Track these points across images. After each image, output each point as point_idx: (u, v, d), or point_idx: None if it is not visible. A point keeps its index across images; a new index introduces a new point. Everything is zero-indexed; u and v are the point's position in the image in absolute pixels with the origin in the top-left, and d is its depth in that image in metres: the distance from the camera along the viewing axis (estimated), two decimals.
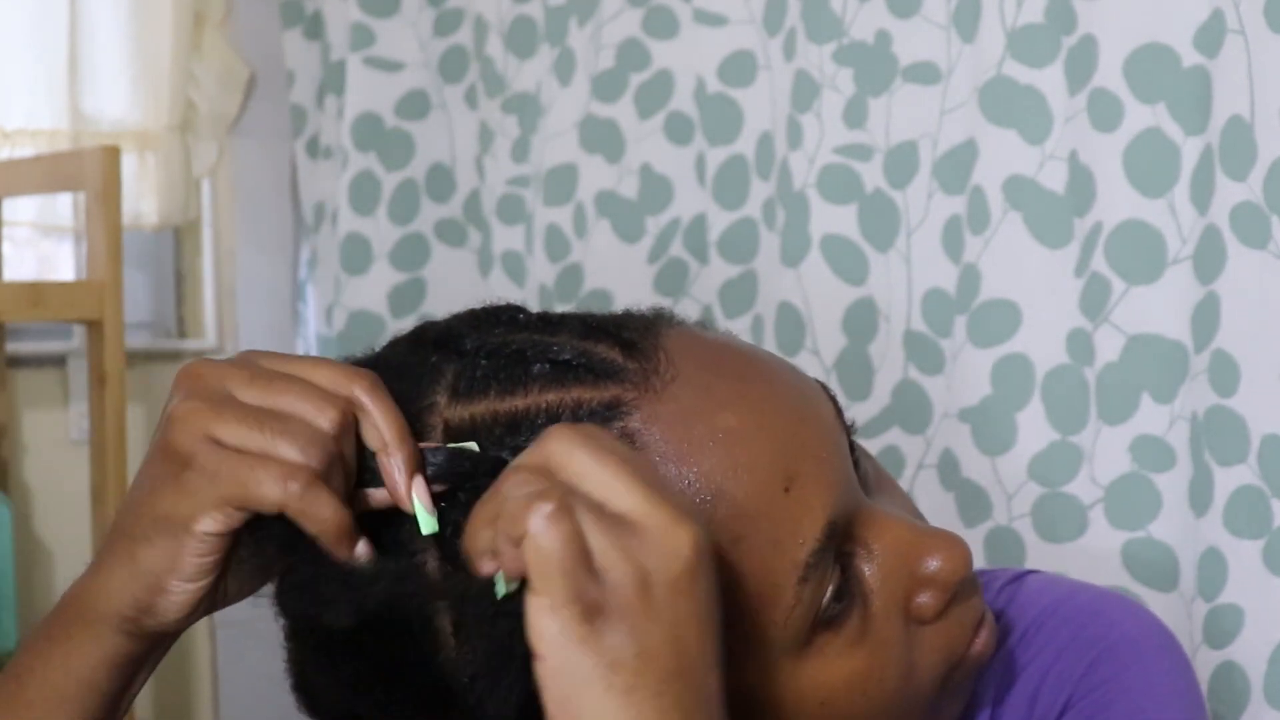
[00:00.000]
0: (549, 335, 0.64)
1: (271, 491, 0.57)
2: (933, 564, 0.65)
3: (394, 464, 0.59)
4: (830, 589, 0.63)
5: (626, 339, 0.64)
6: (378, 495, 0.61)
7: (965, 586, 0.66)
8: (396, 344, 0.68)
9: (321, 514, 0.58)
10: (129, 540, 0.60)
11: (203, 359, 0.61)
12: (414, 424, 0.62)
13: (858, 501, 0.65)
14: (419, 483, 0.60)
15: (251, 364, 0.61)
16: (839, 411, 0.67)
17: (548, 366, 0.62)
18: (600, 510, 0.54)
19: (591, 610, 0.53)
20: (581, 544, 0.53)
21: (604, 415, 0.61)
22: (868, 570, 0.65)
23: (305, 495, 0.58)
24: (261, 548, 0.60)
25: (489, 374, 0.63)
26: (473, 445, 0.61)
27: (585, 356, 0.63)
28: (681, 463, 0.61)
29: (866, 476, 0.68)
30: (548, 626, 0.53)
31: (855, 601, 0.64)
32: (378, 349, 0.68)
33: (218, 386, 0.60)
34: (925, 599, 0.65)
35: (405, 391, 0.63)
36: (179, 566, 0.59)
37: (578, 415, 0.61)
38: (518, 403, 0.62)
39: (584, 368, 0.62)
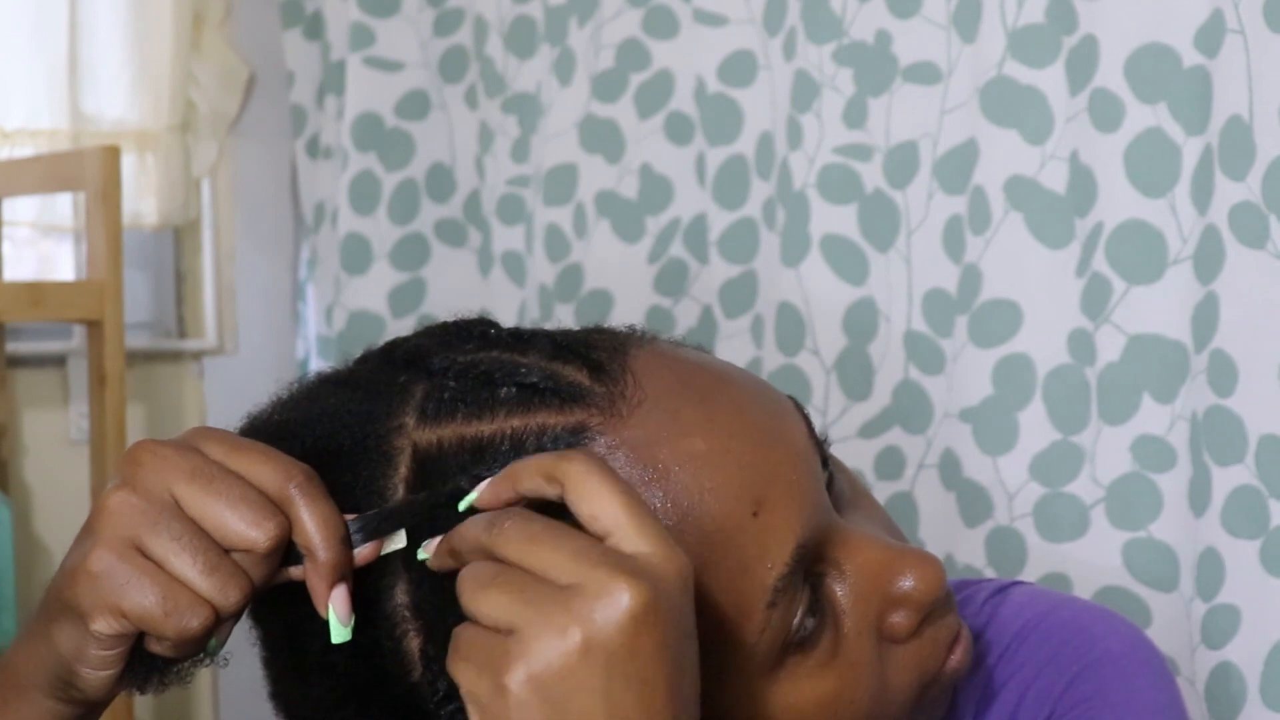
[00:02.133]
0: (518, 355, 0.64)
1: (165, 626, 0.57)
2: (905, 583, 0.65)
3: (317, 571, 0.59)
4: (800, 611, 0.63)
5: (595, 360, 0.63)
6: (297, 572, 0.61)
7: (939, 605, 0.66)
8: (368, 359, 0.68)
9: (190, 651, 0.59)
10: (47, 616, 0.60)
11: (150, 442, 0.60)
12: (382, 445, 0.62)
13: (829, 522, 0.65)
14: (338, 593, 0.59)
15: (196, 454, 0.59)
16: (811, 429, 0.66)
17: (514, 390, 0.62)
18: (535, 584, 0.55)
19: (527, 686, 0.54)
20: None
21: (568, 440, 0.61)
22: (839, 590, 0.65)
23: (192, 638, 0.58)
24: (146, 657, 0.60)
25: (456, 396, 0.63)
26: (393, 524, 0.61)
27: (552, 380, 0.62)
28: (647, 488, 0.61)
29: (840, 494, 0.67)
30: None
31: (826, 622, 0.64)
32: (351, 364, 0.68)
33: (158, 483, 0.58)
34: (898, 618, 0.65)
35: (374, 411, 0.63)
36: (84, 656, 0.59)
37: (542, 441, 0.61)
38: (484, 428, 0.62)
39: (550, 391, 0.62)
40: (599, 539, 0.55)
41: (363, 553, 0.60)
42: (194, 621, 0.57)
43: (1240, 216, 0.99)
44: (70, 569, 0.59)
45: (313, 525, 0.58)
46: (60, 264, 2.10)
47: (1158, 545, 1.09)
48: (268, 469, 0.59)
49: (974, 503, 1.20)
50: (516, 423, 0.62)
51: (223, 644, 0.61)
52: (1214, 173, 1.01)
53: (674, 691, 0.55)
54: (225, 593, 0.57)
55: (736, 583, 0.61)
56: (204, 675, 2.14)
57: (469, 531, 0.58)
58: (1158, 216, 1.07)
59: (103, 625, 0.58)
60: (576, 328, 0.69)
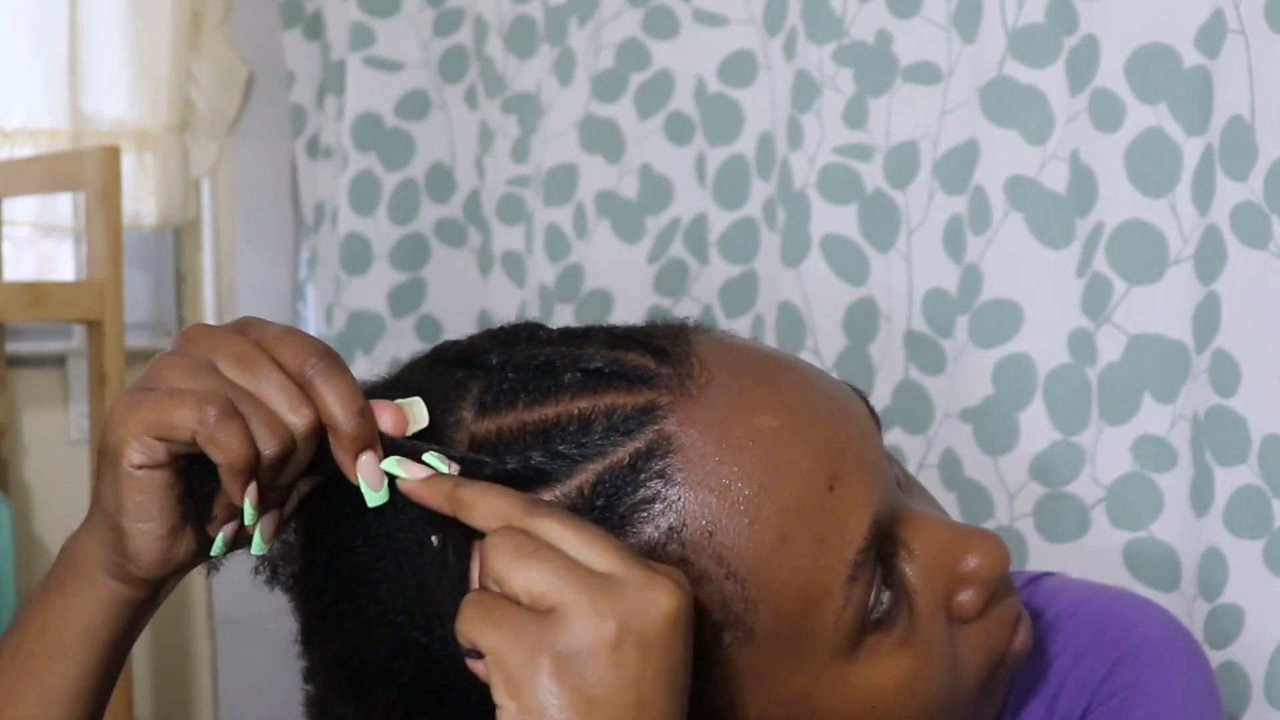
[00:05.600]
0: (576, 347, 0.64)
1: (185, 418, 0.57)
2: (972, 562, 0.65)
3: (339, 444, 0.59)
4: (877, 589, 0.63)
5: (657, 346, 0.64)
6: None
7: (1003, 584, 0.67)
8: (414, 365, 0.67)
9: (230, 444, 0.58)
10: (97, 481, 0.61)
11: (204, 324, 0.62)
12: (440, 441, 0.62)
13: (897, 500, 0.65)
14: (365, 460, 0.59)
15: (243, 338, 0.60)
16: (873, 413, 0.67)
17: (579, 375, 0.62)
18: (579, 567, 0.56)
19: (561, 661, 0.55)
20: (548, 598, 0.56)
21: (639, 419, 0.61)
22: (909, 570, 0.65)
23: (218, 423, 0.57)
24: (187, 490, 0.60)
25: (517, 386, 0.63)
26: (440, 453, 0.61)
27: (617, 364, 0.62)
28: (721, 462, 0.61)
29: (898, 479, 0.68)
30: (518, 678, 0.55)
31: (901, 601, 0.64)
32: (396, 372, 0.67)
33: (202, 351, 0.60)
34: (966, 597, 0.65)
35: (429, 410, 0.62)
36: (122, 506, 0.59)
37: (611, 420, 0.61)
38: (548, 411, 0.62)
39: (617, 374, 0.62)
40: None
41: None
42: (210, 410, 0.57)
43: (1242, 217, 0.99)
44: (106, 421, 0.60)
45: (331, 401, 0.59)
46: (60, 264, 2.10)
47: (1158, 545, 1.09)
48: (289, 353, 0.60)
49: (975, 503, 1.20)
50: (584, 404, 0.62)
51: (270, 537, 0.62)
52: (1215, 173, 1.01)
53: (683, 696, 0.56)
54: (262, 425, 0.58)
55: (816, 558, 0.61)
56: (203, 674, 2.14)
57: (498, 499, 0.58)
58: (1158, 216, 1.07)
59: (133, 455, 0.58)
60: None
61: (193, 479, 0.60)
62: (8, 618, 1.84)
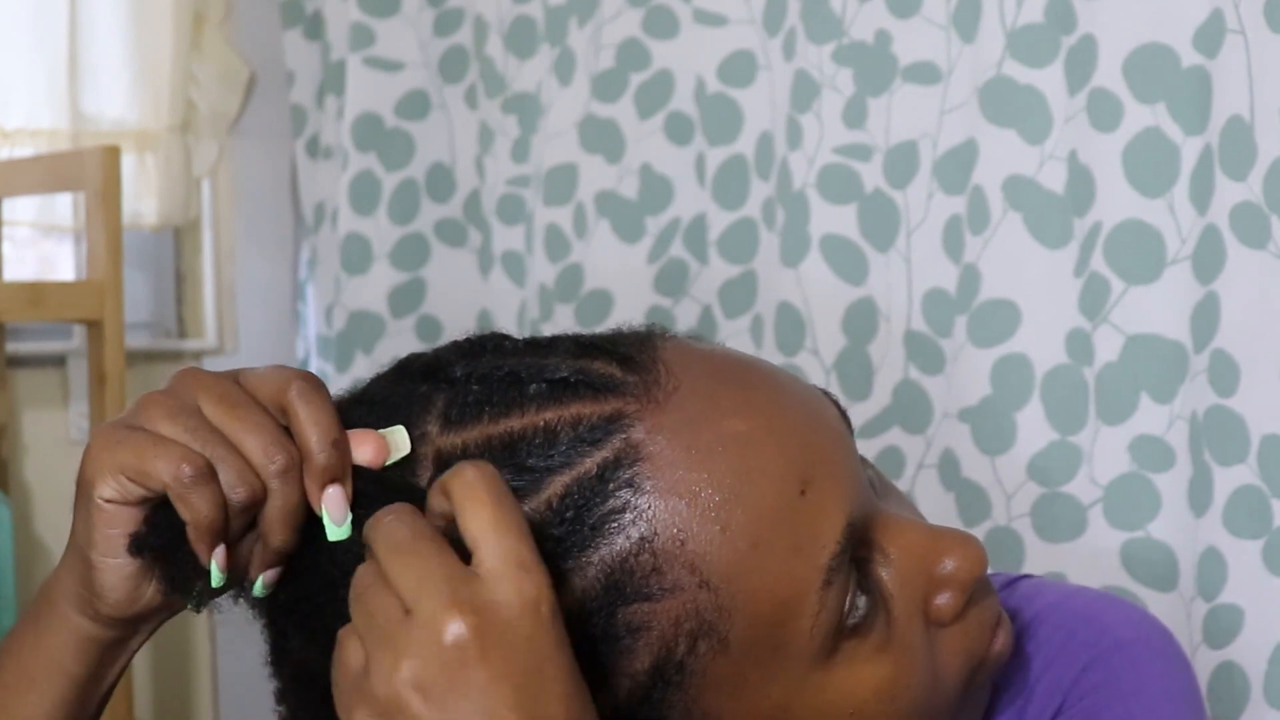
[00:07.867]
0: (541, 357, 0.63)
1: (161, 470, 0.57)
2: (949, 564, 0.64)
3: (310, 474, 0.59)
4: (852, 594, 0.62)
5: (623, 354, 0.63)
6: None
7: (981, 586, 0.66)
8: (380, 379, 0.66)
9: (200, 507, 0.58)
10: (74, 516, 0.61)
11: (194, 368, 0.61)
12: (405, 457, 0.62)
13: (872, 504, 0.64)
14: (332, 492, 0.59)
15: (229, 379, 0.61)
16: (844, 417, 0.66)
17: (544, 386, 0.62)
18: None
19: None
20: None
21: (606, 428, 0.60)
22: (885, 575, 0.64)
23: (192, 483, 0.57)
24: (149, 534, 0.60)
25: (481, 399, 0.62)
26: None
27: (583, 373, 0.62)
28: (691, 469, 0.60)
29: (872, 482, 0.67)
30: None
31: (878, 606, 0.63)
32: (362, 385, 0.67)
33: (186, 391, 0.60)
34: (944, 600, 0.65)
35: (394, 424, 0.62)
36: (93, 539, 0.60)
37: (577, 430, 0.60)
38: (513, 424, 0.61)
39: (583, 384, 0.61)
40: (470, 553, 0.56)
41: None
42: (187, 468, 0.57)
43: (1241, 217, 0.99)
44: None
45: (308, 429, 0.59)
46: (60, 264, 2.10)
47: (1156, 545, 1.09)
48: (269, 388, 0.60)
49: (973, 503, 1.20)
50: (549, 415, 0.61)
51: (268, 585, 0.61)
52: (1214, 173, 1.01)
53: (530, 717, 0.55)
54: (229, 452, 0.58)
55: (789, 564, 0.60)
56: (204, 674, 2.15)
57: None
58: (1156, 216, 1.07)
59: (104, 489, 0.58)
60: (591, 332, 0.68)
61: (158, 524, 0.60)
62: (8, 618, 1.84)
